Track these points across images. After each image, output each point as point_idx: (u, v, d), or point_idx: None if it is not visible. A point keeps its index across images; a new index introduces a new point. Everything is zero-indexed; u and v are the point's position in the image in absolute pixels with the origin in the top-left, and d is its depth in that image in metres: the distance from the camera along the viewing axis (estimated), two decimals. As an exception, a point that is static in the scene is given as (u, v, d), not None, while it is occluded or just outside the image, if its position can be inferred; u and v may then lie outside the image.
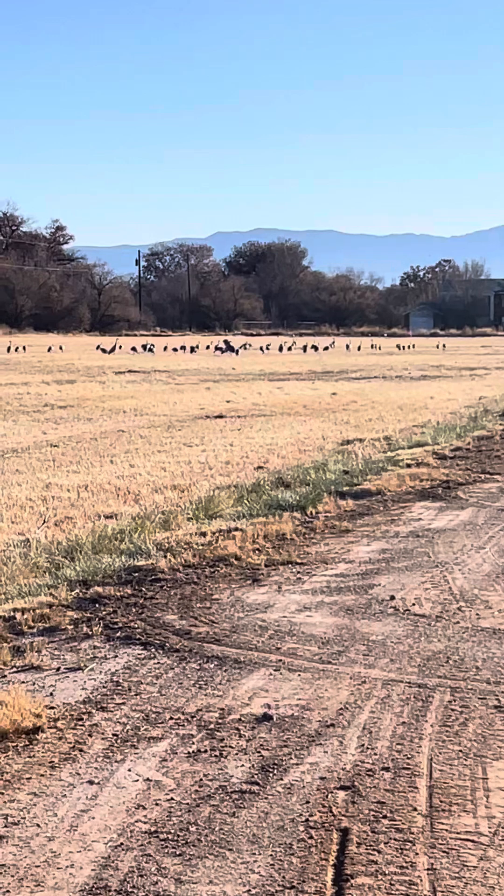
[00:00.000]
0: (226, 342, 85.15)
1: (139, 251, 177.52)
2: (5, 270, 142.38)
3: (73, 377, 47.75)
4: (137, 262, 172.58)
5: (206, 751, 6.94)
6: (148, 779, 6.53)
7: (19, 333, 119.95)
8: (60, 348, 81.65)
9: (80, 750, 6.94)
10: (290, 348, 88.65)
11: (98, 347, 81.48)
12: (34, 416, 29.21)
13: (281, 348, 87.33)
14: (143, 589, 10.91)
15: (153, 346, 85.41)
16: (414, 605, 10.43)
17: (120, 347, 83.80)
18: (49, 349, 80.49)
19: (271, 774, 6.59)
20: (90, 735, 7.19)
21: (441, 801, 6.24)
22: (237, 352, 78.76)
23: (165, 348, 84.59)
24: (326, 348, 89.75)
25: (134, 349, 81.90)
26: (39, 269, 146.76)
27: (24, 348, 79.81)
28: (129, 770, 6.65)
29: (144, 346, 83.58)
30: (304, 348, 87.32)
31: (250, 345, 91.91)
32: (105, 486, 16.68)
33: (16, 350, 78.69)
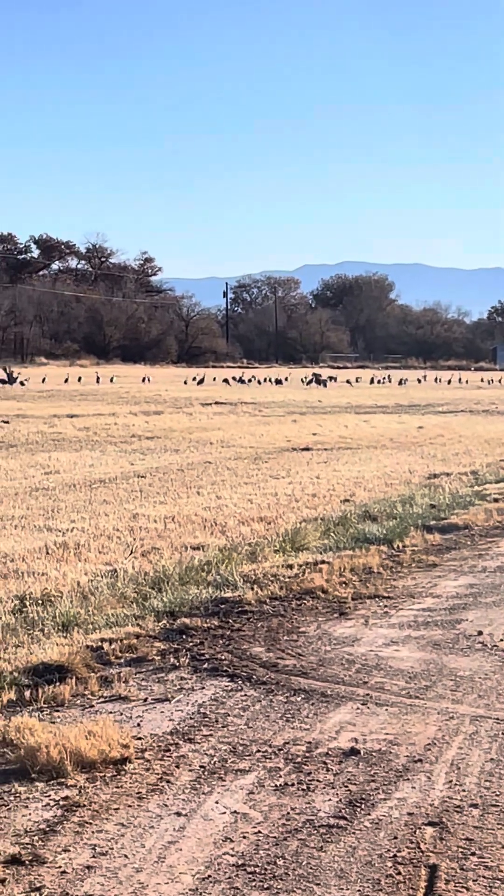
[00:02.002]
0: (315, 375, 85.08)
1: (227, 283, 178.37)
2: (94, 301, 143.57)
3: (160, 408, 47.98)
4: (225, 294, 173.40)
5: (293, 784, 6.92)
6: (235, 811, 6.52)
7: (107, 364, 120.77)
8: (147, 379, 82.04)
9: (168, 781, 6.95)
10: (381, 381, 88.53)
11: (195, 380, 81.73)
12: (121, 447, 29.37)
13: (372, 381, 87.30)
14: (230, 621, 10.92)
15: (252, 377, 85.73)
16: (502, 640, 10.35)
17: (214, 379, 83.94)
18: (144, 380, 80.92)
19: (359, 809, 6.57)
20: (177, 766, 7.20)
21: (530, 840, 6.18)
22: (325, 384, 78.77)
23: (250, 379, 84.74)
24: (412, 381, 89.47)
25: (226, 380, 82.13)
26: (128, 300, 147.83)
27: (112, 379, 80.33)
28: (217, 802, 6.64)
29: (240, 378, 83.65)
30: (379, 380, 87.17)
31: (336, 378, 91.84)
32: (192, 518, 16.73)
33: (109, 380, 79.19)
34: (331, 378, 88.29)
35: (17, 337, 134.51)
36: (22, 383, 67.28)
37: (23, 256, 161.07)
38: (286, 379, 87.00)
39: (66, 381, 77.10)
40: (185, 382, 79.21)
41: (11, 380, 63.79)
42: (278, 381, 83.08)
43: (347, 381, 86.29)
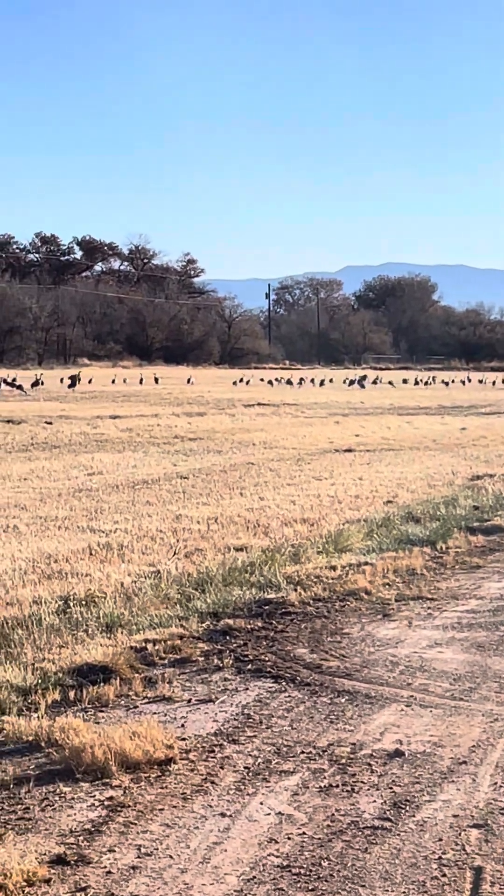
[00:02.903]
0: (362, 378, 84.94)
1: (269, 284, 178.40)
2: (137, 303, 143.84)
3: (202, 409, 48.02)
4: (267, 296, 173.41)
5: (337, 785, 6.91)
6: (280, 812, 6.52)
7: (149, 365, 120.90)
8: (191, 381, 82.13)
9: (212, 782, 6.96)
10: (426, 382, 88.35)
11: (244, 381, 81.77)
12: (164, 448, 29.42)
13: (416, 382, 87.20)
14: (274, 622, 10.92)
15: (301, 379, 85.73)
16: (547, 642, 10.31)
17: (261, 380, 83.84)
18: (188, 381, 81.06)
19: (403, 811, 6.55)
20: (222, 767, 7.21)
21: None
22: (363, 385, 78.64)
23: (300, 381, 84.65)
24: (455, 382, 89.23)
25: (270, 382, 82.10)
26: (170, 301, 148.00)
27: (157, 380, 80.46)
28: (261, 803, 6.65)
29: (288, 380, 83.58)
30: (425, 381, 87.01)
31: (381, 379, 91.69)
32: (235, 519, 16.74)
33: (154, 381, 79.33)
34: (377, 380, 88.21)
35: (59, 338, 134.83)
36: (41, 382, 67.29)
37: (66, 258, 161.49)
38: (330, 381, 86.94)
39: (113, 381, 77.27)
40: (235, 384, 79.32)
41: (19, 386, 63.87)
42: (321, 383, 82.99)
43: (390, 383, 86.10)
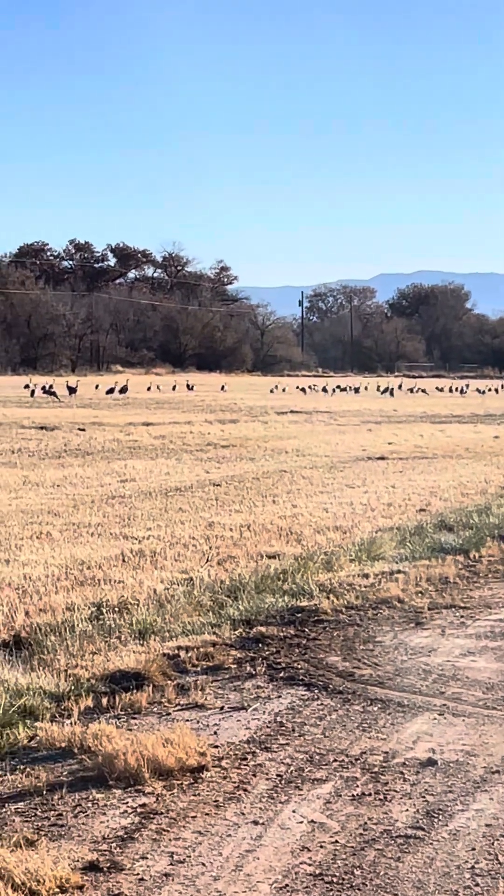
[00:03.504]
0: (390, 388, 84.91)
1: (302, 292, 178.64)
2: (170, 310, 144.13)
3: (235, 416, 48.02)
4: (300, 303, 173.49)
5: (370, 794, 6.91)
6: (312, 821, 6.52)
7: (182, 372, 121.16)
8: (225, 388, 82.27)
9: (245, 790, 6.96)
10: (460, 391, 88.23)
11: (281, 389, 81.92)
12: (197, 455, 29.44)
13: (451, 389, 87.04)
14: (306, 629, 10.92)
15: (337, 386, 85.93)
16: None
17: (284, 389, 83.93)
18: (222, 388, 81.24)
19: (436, 820, 6.54)
20: (254, 775, 7.21)
21: None
22: (393, 393, 78.58)
23: (335, 389, 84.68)
24: (490, 391, 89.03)
25: (303, 389, 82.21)
26: (203, 309, 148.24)
27: (187, 387, 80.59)
28: (294, 811, 6.64)
29: (323, 388, 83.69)
30: (459, 389, 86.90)
31: (417, 387, 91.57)
32: (267, 526, 16.74)
33: (186, 388, 79.53)
34: (413, 388, 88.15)
35: (93, 345, 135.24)
36: (76, 389, 67.62)
37: (99, 265, 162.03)
38: (365, 388, 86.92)
39: (149, 389, 77.43)
40: (272, 391, 79.47)
41: (52, 392, 64.20)
42: (356, 390, 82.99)
43: (423, 390, 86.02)
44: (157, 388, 79.43)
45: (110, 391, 68.47)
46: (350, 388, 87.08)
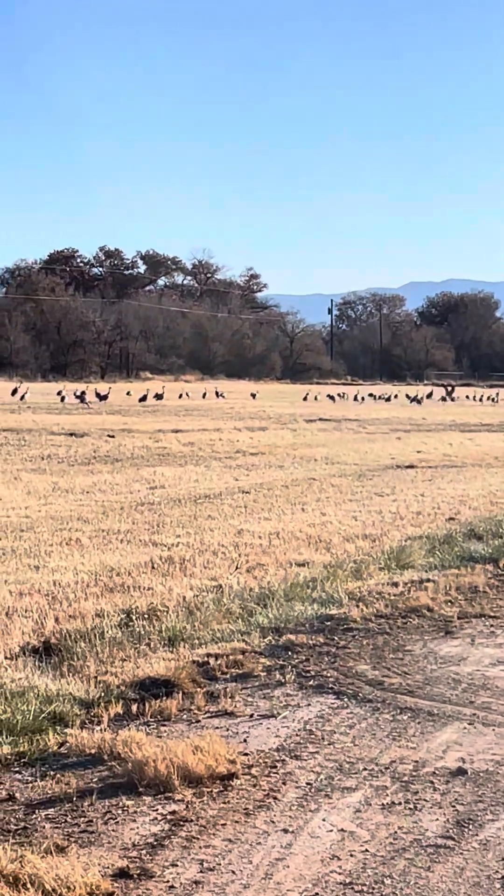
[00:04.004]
0: (445, 391, 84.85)
1: (331, 300, 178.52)
2: (199, 317, 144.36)
3: (264, 424, 48.03)
4: (330, 311, 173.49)
5: (400, 803, 6.89)
6: (342, 829, 6.51)
7: (211, 380, 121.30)
8: (255, 395, 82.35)
9: (275, 798, 6.95)
10: (494, 400, 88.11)
11: (308, 396, 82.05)
12: (226, 463, 29.46)
13: (480, 398, 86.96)
14: (336, 638, 10.91)
15: (370, 394, 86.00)
16: None
17: (317, 397, 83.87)
18: (253, 396, 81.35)
19: (466, 830, 6.53)
20: (284, 783, 7.20)
21: None
22: (420, 402, 78.54)
23: (364, 397, 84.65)
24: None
25: (332, 397, 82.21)
26: (233, 316, 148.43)
27: (222, 394, 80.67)
28: (324, 820, 6.64)
29: (356, 397, 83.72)
30: (491, 398, 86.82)
31: (455, 395, 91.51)
32: (296, 534, 16.73)
33: (216, 395, 79.66)
34: (447, 396, 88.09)
35: (122, 352, 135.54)
36: (104, 397, 67.85)
37: (129, 272, 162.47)
38: (395, 396, 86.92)
39: (181, 396, 77.52)
40: (305, 399, 79.55)
41: (81, 398, 64.51)
42: (385, 399, 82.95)
43: (452, 398, 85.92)
44: (187, 394, 79.50)
45: (143, 398, 68.65)
46: (381, 396, 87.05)
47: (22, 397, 67.21)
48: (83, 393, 66.66)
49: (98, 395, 67.60)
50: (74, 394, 66.33)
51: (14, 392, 70.04)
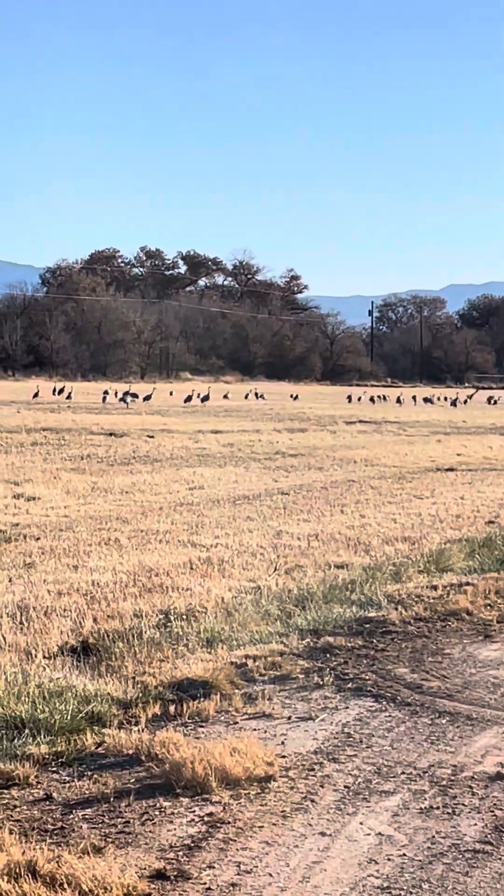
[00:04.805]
0: (456, 398, 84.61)
1: (372, 302, 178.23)
2: (240, 318, 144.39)
3: (304, 426, 47.98)
4: (370, 313, 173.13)
5: (438, 807, 6.86)
6: (380, 833, 6.48)
7: (251, 381, 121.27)
8: (296, 397, 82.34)
9: (312, 800, 6.93)
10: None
11: (352, 397, 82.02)
12: (265, 464, 29.44)
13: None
14: (374, 640, 10.88)
15: (401, 397, 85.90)
16: None
17: (360, 398, 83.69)
18: (295, 398, 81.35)
19: (505, 835, 6.49)
20: (322, 786, 7.18)
21: None
22: (455, 404, 78.28)
23: (401, 398, 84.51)
24: None
25: (372, 399, 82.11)
26: (273, 317, 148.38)
27: (262, 396, 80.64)
28: (361, 823, 6.61)
29: (398, 399, 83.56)
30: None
31: (498, 398, 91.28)
32: (335, 536, 16.70)
33: (255, 396, 79.66)
34: (493, 399, 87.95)
35: (162, 352, 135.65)
36: (147, 397, 68.07)
37: (170, 272, 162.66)
38: (437, 398, 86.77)
39: (225, 397, 77.48)
40: (349, 400, 79.47)
41: (123, 399, 64.68)
42: (427, 401, 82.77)
43: (493, 402, 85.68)
44: (227, 396, 79.46)
45: (188, 399, 68.68)
46: (421, 398, 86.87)
47: (69, 396, 67.61)
48: (125, 393, 66.76)
49: (138, 395, 67.74)
50: (124, 393, 66.46)
51: (60, 391, 70.60)
